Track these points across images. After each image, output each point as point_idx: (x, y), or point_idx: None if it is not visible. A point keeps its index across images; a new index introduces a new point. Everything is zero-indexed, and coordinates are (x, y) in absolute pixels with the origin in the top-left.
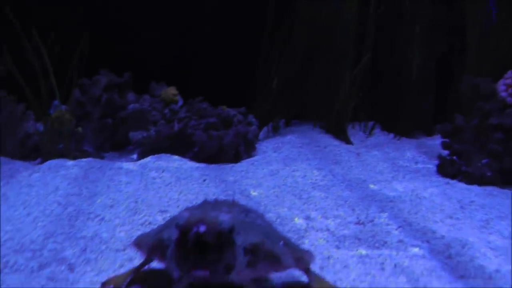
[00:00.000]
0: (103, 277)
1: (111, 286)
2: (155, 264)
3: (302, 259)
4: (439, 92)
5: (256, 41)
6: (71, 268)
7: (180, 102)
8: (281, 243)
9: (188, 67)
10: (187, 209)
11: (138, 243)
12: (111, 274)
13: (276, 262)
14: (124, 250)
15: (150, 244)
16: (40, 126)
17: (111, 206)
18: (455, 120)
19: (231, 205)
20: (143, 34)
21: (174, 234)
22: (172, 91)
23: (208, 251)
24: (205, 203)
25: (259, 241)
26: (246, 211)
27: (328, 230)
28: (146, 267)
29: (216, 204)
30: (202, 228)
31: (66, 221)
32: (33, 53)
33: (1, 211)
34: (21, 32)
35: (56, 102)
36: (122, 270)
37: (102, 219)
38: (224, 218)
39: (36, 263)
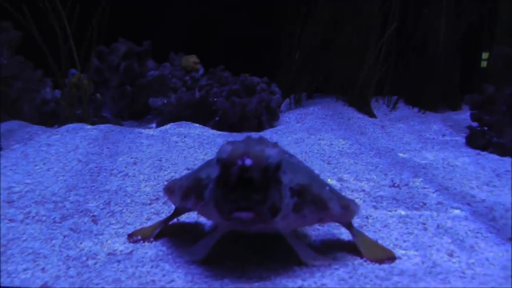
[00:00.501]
0: (129, 230)
1: (139, 237)
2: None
3: (349, 207)
4: (465, 65)
5: (280, 11)
6: (94, 220)
7: (201, 71)
8: (327, 188)
9: (209, 38)
10: (228, 142)
11: (170, 188)
12: (137, 227)
13: (323, 208)
14: (150, 204)
15: (185, 186)
16: (58, 93)
17: (134, 163)
18: (485, 90)
19: (274, 145)
20: (164, 2)
21: (214, 172)
22: (193, 59)
23: (253, 189)
24: (248, 138)
25: (306, 182)
26: (289, 154)
27: (363, 191)
28: (175, 220)
29: (260, 140)
30: (248, 162)
31: (87, 176)
32: (53, 16)
33: (21, 166)
34: None
35: (74, 70)
36: (149, 224)
37: (126, 174)
38: (271, 152)
39: (58, 214)
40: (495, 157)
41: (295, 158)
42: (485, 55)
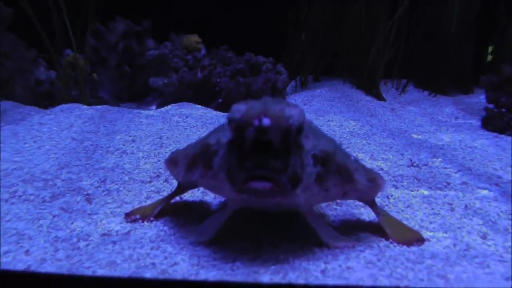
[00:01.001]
0: (127, 209)
1: (137, 216)
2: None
3: (375, 180)
4: (478, 47)
5: None
6: (88, 199)
7: (203, 51)
8: (352, 158)
9: (212, 17)
10: (241, 102)
11: (173, 159)
12: (136, 206)
13: (348, 179)
14: (150, 182)
15: (191, 154)
16: (53, 73)
17: (133, 141)
18: (502, 71)
19: (295, 105)
20: None
21: (224, 136)
22: (194, 38)
23: (271, 155)
24: (265, 98)
25: (330, 149)
26: (309, 120)
27: (381, 170)
28: (177, 198)
29: (279, 100)
30: (266, 122)
31: (82, 153)
32: None
33: (9, 145)
34: None
35: (69, 51)
36: (149, 203)
37: (124, 152)
38: (292, 112)
39: (48, 193)
40: None
41: (315, 125)
42: (490, 49)
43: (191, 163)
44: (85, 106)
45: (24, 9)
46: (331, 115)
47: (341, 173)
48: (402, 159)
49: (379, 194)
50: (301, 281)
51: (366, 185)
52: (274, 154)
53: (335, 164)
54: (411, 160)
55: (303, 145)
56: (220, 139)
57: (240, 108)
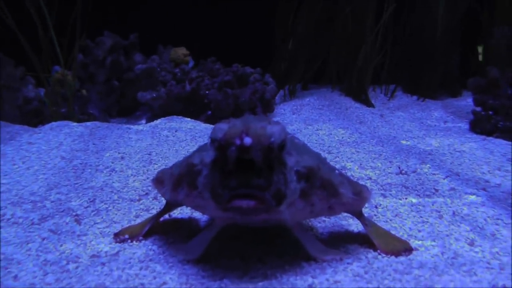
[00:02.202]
0: (116, 229)
1: (126, 236)
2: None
3: (361, 193)
4: (464, 49)
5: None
6: (77, 220)
7: (191, 63)
8: (337, 172)
9: (199, 29)
10: (223, 121)
11: (160, 178)
12: (125, 225)
13: (333, 194)
14: (139, 200)
15: (176, 174)
16: (41, 91)
17: (122, 158)
18: (488, 73)
19: (276, 123)
20: None
21: (208, 156)
22: (182, 51)
23: (254, 173)
24: (247, 116)
25: (314, 165)
26: (292, 134)
27: (370, 179)
28: (166, 216)
29: (260, 117)
30: (248, 141)
31: (71, 173)
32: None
33: None
34: None
35: (57, 67)
36: (138, 221)
37: (113, 170)
38: (274, 130)
39: (37, 215)
40: (503, 141)
41: (299, 139)
42: (481, 49)
43: (177, 183)
44: (74, 123)
45: (10, 27)
46: (320, 123)
47: (326, 188)
48: (390, 167)
49: (368, 204)
50: None
51: (351, 198)
52: (257, 172)
53: (320, 179)
54: (399, 167)
55: (286, 162)
56: (204, 159)
57: (222, 128)
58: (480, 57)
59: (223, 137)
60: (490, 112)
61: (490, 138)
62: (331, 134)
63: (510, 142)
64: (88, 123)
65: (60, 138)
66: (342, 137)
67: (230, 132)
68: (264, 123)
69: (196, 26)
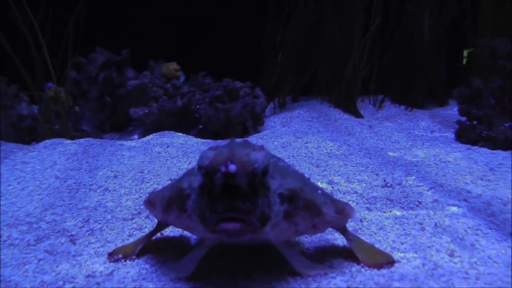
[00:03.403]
0: (110, 248)
1: (120, 255)
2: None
3: (344, 211)
4: (451, 59)
5: (261, 13)
6: (72, 240)
7: (182, 78)
8: (319, 192)
9: (189, 44)
10: (210, 148)
11: (151, 201)
12: (119, 244)
13: (316, 213)
14: (132, 219)
15: (166, 198)
16: (35, 108)
17: (115, 177)
18: (472, 83)
19: (260, 148)
20: (141, 8)
21: (196, 181)
22: (173, 66)
23: (239, 197)
24: (232, 142)
25: (297, 187)
26: (276, 157)
27: (356, 192)
28: (158, 235)
29: (244, 144)
30: (232, 168)
31: (65, 193)
32: (24, 27)
33: None
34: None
35: (50, 84)
36: (132, 240)
37: (106, 189)
38: (257, 156)
39: (33, 236)
40: (487, 150)
41: (283, 162)
42: (465, 53)
43: (167, 206)
44: (68, 141)
45: (2, 45)
46: (310, 136)
47: (309, 208)
48: (377, 179)
49: (353, 218)
50: None
51: (334, 217)
52: (242, 197)
53: (302, 200)
54: (385, 180)
55: (270, 185)
56: (192, 183)
57: (208, 155)
58: (464, 61)
59: (209, 164)
60: (475, 122)
61: (475, 147)
62: (319, 147)
63: (493, 151)
64: (82, 140)
65: (54, 157)
66: (331, 150)
67: (216, 160)
68: (248, 149)
69: (186, 41)
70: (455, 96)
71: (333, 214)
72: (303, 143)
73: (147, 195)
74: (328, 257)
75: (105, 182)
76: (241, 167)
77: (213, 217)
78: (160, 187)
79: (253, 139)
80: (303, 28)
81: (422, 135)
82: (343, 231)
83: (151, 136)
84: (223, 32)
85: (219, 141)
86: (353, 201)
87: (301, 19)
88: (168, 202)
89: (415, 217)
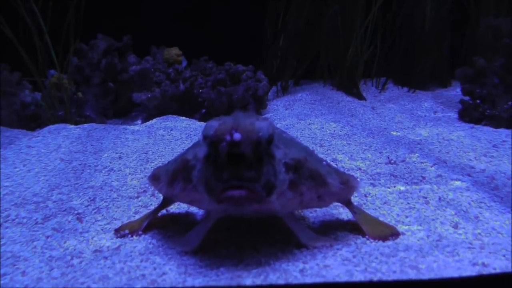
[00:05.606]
0: (116, 225)
1: (126, 231)
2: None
3: (348, 182)
4: (454, 39)
5: None
6: (79, 218)
7: (184, 63)
8: (324, 163)
9: (191, 28)
10: (215, 118)
11: (156, 175)
12: (125, 221)
13: (321, 183)
14: (137, 197)
15: (171, 170)
16: (38, 95)
17: (120, 158)
18: (475, 63)
19: (264, 119)
20: None
21: (201, 151)
22: (175, 51)
23: (244, 165)
24: (236, 113)
25: (301, 156)
26: (280, 129)
27: (359, 169)
28: (164, 211)
29: (249, 115)
30: (237, 136)
31: (71, 174)
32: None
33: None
34: None
35: (53, 71)
36: (137, 217)
37: (111, 169)
38: (262, 125)
39: (40, 215)
40: (490, 129)
41: (287, 134)
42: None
43: (172, 178)
44: (72, 126)
45: (4, 32)
46: (312, 118)
47: (314, 178)
48: (380, 157)
49: (357, 193)
50: (281, 281)
51: (339, 187)
52: (247, 165)
53: (307, 170)
54: (388, 157)
55: (274, 154)
56: (197, 154)
57: (213, 125)
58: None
59: (214, 134)
60: (478, 101)
61: (478, 126)
62: (323, 128)
63: (496, 129)
64: (85, 125)
65: (59, 140)
66: (334, 131)
67: (221, 129)
68: (253, 119)
69: (188, 27)
70: (458, 76)
71: (338, 184)
72: (306, 125)
73: (150, 173)
74: (333, 230)
75: (110, 163)
76: (246, 135)
77: (219, 185)
78: None
79: None
80: (304, 11)
81: (425, 116)
82: (348, 203)
83: (154, 120)
84: (224, 16)
85: None
86: (357, 177)
87: (302, 2)
88: (173, 174)
89: (419, 192)
